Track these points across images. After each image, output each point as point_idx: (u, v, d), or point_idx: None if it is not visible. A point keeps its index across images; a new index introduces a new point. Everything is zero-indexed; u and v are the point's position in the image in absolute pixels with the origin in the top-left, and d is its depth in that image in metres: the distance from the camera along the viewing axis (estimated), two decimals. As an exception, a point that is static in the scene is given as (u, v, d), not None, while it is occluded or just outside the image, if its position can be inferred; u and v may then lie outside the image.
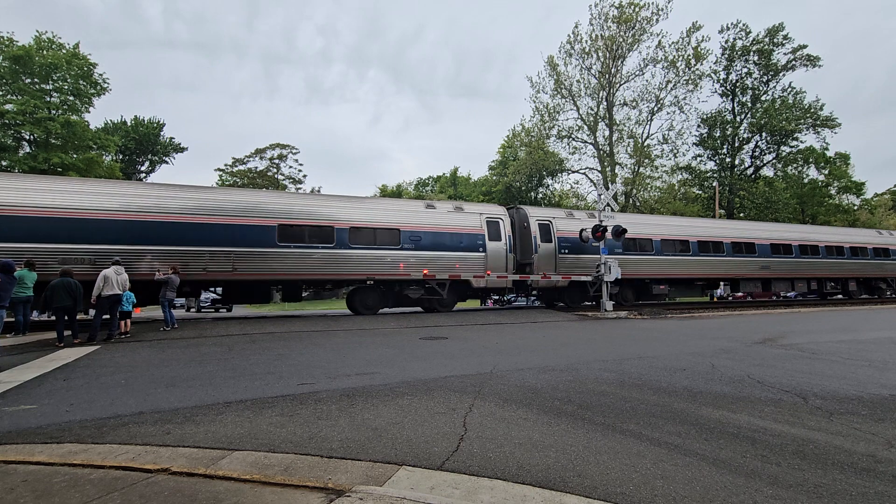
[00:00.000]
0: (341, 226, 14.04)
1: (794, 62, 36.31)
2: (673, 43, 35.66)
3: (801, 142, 37.07)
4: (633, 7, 34.89)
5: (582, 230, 17.03)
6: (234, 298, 14.76)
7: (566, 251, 17.03)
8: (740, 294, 28.00)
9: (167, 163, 44.52)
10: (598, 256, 16.33)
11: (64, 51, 27.80)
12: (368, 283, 14.46)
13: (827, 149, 37.87)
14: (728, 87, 38.58)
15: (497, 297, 27.76)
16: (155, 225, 12.27)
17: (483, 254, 15.52)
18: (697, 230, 20.16)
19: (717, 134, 38.14)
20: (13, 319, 9.73)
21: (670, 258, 18.92)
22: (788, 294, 27.77)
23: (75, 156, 27.13)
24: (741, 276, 20.83)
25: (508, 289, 16.90)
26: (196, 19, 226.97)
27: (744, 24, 36.77)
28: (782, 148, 37.70)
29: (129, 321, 10.34)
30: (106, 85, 29.62)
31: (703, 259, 19.59)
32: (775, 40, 36.08)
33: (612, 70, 36.41)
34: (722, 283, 22.19)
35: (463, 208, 16.24)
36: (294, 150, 56.59)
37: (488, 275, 15.52)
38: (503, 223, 16.30)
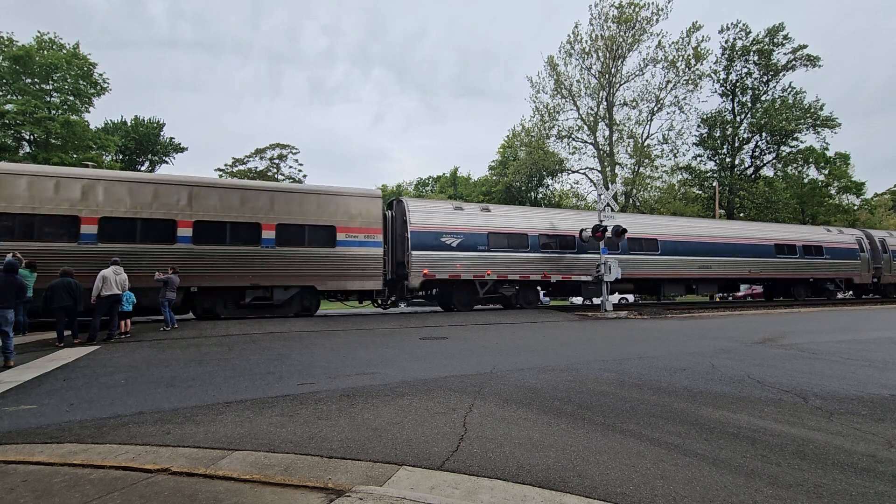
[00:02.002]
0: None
1: (794, 62, 36.25)
2: (673, 43, 35.68)
3: (801, 142, 37.01)
4: (633, 7, 34.87)
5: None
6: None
7: None
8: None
9: (167, 162, 44.47)
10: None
11: (64, 51, 27.82)
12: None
13: (827, 149, 37.81)
14: (728, 87, 38.52)
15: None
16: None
17: (858, 261, 23.62)
18: None
19: (717, 134, 38.05)
20: None
21: None
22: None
23: (75, 156, 27.16)
24: None
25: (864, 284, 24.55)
26: (197, 19, 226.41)
27: (744, 24, 36.73)
28: (782, 148, 37.63)
29: (128, 321, 10.34)
30: (106, 85, 29.66)
31: None
32: (775, 40, 36.02)
33: (612, 70, 36.38)
34: None
35: (842, 231, 24.67)
36: (294, 150, 56.38)
37: (862, 275, 23.65)
38: (864, 240, 24.36)
